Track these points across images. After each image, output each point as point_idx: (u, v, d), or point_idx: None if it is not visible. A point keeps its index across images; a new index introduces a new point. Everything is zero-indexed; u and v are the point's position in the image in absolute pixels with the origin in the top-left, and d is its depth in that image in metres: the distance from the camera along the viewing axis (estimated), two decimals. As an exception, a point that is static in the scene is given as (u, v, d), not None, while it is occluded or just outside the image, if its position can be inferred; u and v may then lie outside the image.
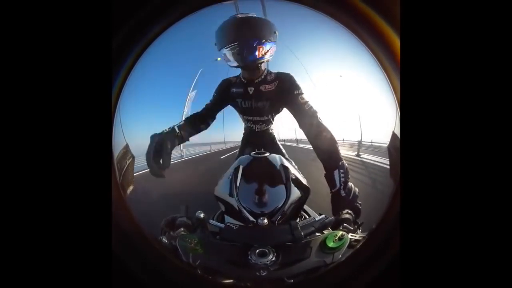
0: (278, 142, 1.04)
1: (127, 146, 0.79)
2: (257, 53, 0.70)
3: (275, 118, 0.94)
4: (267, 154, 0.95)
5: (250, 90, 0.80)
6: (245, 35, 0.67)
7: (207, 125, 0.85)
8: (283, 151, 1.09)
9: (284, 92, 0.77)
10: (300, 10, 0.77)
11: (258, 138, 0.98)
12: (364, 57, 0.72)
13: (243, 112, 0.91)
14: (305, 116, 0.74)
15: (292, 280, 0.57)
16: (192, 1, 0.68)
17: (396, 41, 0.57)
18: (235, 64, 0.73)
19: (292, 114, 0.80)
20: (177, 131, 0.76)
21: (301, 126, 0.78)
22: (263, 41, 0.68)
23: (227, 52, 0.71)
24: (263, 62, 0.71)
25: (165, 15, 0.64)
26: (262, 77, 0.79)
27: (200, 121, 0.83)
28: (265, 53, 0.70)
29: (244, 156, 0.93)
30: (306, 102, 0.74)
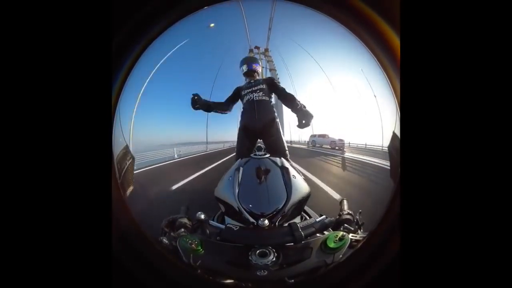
0: (277, 121, 1.28)
1: (127, 147, 0.79)
2: (253, 68, 1.31)
3: (268, 90, 1.33)
4: (267, 155, 0.96)
5: (251, 81, 1.32)
6: (252, 63, 1.31)
7: (229, 108, 1.32)
8: (285, 144, 1.16)
9: (271, 82, 1.31)
10: (300, 10, 0.77)
11: (258, 109, 1.27)
12: (364, 57, 0.72)
13: (245, 87, 1.32)
14: (281, 92, 1.26)
15: (292, 280, 0.57)
16: (191, 1, 0.68)
17: (396, 41, 0.57)
18: (246, 71, 1.32)
19: (276, 94, 1.29)
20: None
21: (280, 97, 1.27)
22: (256, 65, 1.31)
23: (244, 66, 1.32)
24: (256, 72, 1.33)
25: (165, 15, 0.64)
26: (257, 78, 1.34)
27: (226, 105, 1.31)
28: (256, 68, 1.32)
29: (244, 158, 0.93)
30: (282, 87, 1.28)
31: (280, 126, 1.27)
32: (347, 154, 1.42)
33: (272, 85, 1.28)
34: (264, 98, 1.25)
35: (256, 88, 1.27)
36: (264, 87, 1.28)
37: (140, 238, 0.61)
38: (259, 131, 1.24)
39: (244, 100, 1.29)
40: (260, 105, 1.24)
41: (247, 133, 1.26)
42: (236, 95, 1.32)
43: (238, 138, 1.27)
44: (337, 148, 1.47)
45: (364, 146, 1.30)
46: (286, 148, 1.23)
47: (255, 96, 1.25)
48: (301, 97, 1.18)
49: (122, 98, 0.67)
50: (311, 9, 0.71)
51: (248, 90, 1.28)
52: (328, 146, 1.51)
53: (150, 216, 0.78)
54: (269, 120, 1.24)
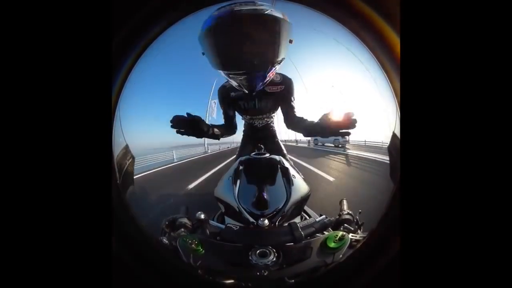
0: (279, 138, 1.19)
1: (127, 147, 0.79)
2: (267, 79, 0.68)
3: (275, 114, 1.11)
4: (267, 154, 0.96)
5: (254, 92, 0.81)
6: (255, 64, 0.60)
7: (233, 131, 1.03)
8: (282, 147, 1.15)
9: (286, 96, 0.91)
10: (300, 10, 0.77)
11: (259, 133, 1.13)
12: (363, 56, 0.72)
13: (245, 112, 1.01)
14: (291, 115, 0.96)
15: (292, 280, 0.57)
16: (191, 1, 0.68)
17: (396, 41, 0.57)
18: (241, 90, 0.72)
19: (283, 111, 0.98)
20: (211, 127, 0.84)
21: (286, 119, 0.99)
22: (275, 64, 0.63)
23: (229, 75, 0.67)
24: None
25: (165, 15, 0.64)
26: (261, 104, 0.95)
27: (226, 129, 1.00)
28: (272, 74, 0.69)
29: (244, 157, 0.93)
30: (295, 107, 0.96)
31: (276, 132, 1.23)
32: (348, 152, 1.42)
33: (285, 102, 0.98)
34: (267, 124, 1.13)
35: (261, 104, 0.99)
36: (272, 106, 1.00)
37: (140, 238, 0.61)
38: (258, 141, 1.17)
39: (246, 124, 1.14)
40: (263, 130, 1.14)
41: (248, 140, 1.20)
42: (228, 107, 1.03)
43: (242, 139, 1.22)
44: (339, 146, 1.47)
45: (364, 143, 1.29)
46: (284, 149, 1.22)
47: (259, 124, 1.10)
48: (300, 97, 1.17)
49: (122, 98, 0.67)
50: (310, 9, 0.71)
51: (248, 107, 1.03)
52: (331, 144, 1.51)
53: (150, 216, 0.78)
54: (268, 134, 1.18)
